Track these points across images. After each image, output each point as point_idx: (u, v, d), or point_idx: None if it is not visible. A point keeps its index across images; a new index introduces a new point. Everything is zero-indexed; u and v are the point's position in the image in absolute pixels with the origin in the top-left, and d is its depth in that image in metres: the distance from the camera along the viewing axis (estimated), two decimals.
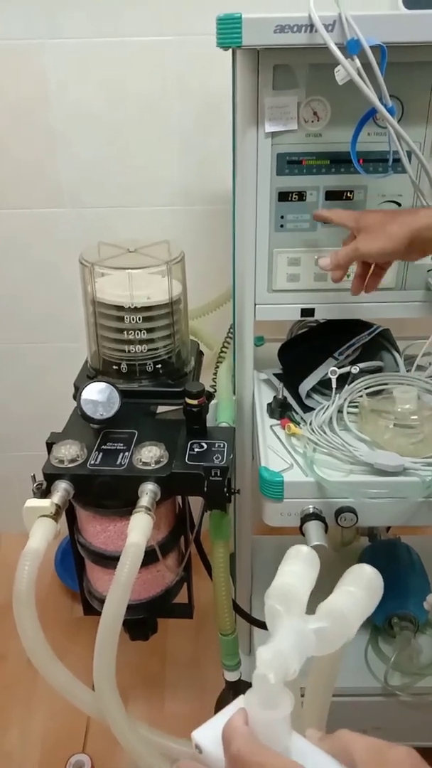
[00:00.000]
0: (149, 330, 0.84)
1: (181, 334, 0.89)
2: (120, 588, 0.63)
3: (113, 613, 0.63)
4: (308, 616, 0.42)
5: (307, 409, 0.90)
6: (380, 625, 1.04)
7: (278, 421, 0.89)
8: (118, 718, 0.66)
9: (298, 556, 0.46)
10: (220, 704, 0.62)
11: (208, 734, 0.40)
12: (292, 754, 0.39)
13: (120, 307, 0.82)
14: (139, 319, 0.83)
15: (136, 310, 0.82)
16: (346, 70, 0.66)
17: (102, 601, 0.83)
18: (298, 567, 0.45)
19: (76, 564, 0.87)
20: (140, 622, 0.86)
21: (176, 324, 0.86)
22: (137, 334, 0.83)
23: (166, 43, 1.08)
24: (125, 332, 0.84)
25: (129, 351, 0.85)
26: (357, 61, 0.67)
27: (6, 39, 1.08)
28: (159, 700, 1.21)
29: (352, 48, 0.66)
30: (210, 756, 0.40)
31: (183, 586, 0.88)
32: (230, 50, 0.75)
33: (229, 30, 0.68)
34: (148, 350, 0.85)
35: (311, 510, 0.77)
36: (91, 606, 0.86)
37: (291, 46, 0.69)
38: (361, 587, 0.45)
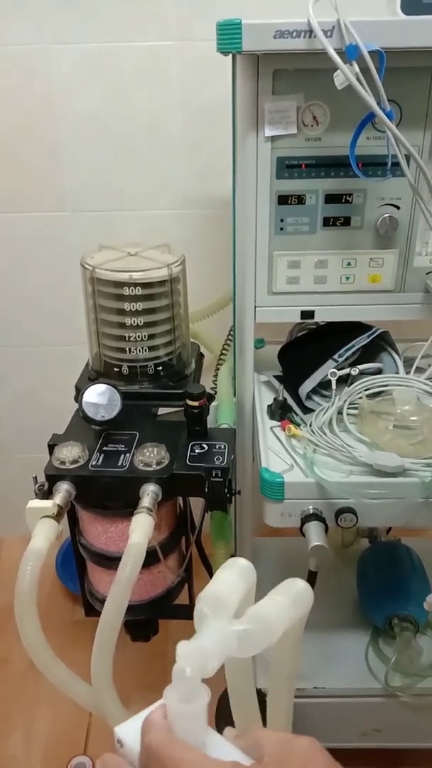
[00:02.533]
0: (148, 311, 0.83)
1: (181, 336, 0.89)
2: (121, 587, 0.64)
3: (114, 610, 0.64)
4: (234, 619, 0.44)
5: (307, 410, 0.91)
6: (381, 626, 1.05)
7: (278, 423, 0.89)
8: (115, 712, 0.66)
9: (234, 567, 0.48)
10: (221, 705, 0.63)
11: (130, 729, 0.41)
12: (206, 749, 0.40)
13: (119, 284, 0.82)
14: (139, 292, 0.82)
15: (135, 285, 0.82)
16: (345, 75, 0.67)
17: (103, 602, 0.84)
18: (231, 576, 0.47)
19: (78, 565, 0.87)
20: (141, 623, 0.86)
21: (176, 307, 0.86)
22: (137, 314, 0.83)
23: (168, 49, 1.09)
24: (125, 312, 0.83)
25: (130, 352, 0.85)
26: (356, 66, 0.67)
27: (12, 45, 1.09)
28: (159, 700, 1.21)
29: (350, 53, 0.67)
30: (131, 751, 0.41)
31: (184, 588, 0.88)
32: (230, 55, 0.76)
33: (229, 36, 0.69)
34: (149, 351, 0.86)
35: (311, 511, 0.77)
36: (93, 607, 0.87)
37: (290, 51, 0.69)
38: (288, 598, 0.47)
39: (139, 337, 0.85)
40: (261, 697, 0.59)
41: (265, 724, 0.59)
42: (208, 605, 0.43)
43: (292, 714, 0.62)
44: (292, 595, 0.47)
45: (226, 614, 0.44)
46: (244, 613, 0.45)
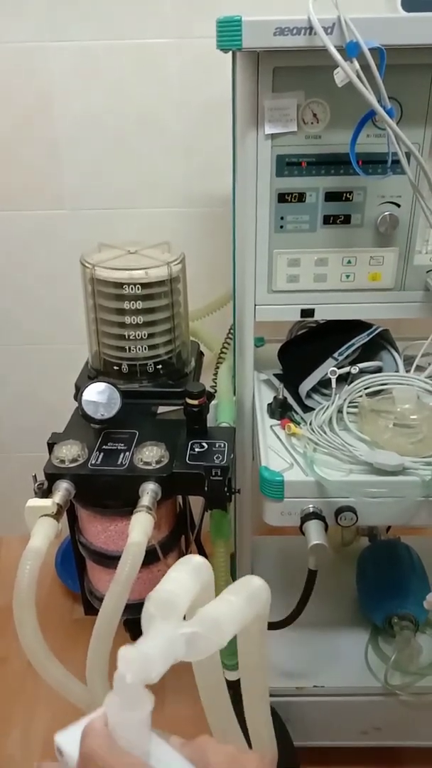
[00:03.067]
0: (148, 310, 0.83)
1: (181, 334, 0.89)
2: (120, 585, 0.63)
3: (112, 608, 0.64)
4: (182, 621, 0.42)
5: (307, 409, 0.91)
6: (380, 625, 1.04)
7: (278, 421, 0.89)
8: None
9: (188, 564, 0.46)
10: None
11: (70, 737, 0.40)
12: (150, 758, 0.39)
13: (119, 282, 0.82)
14: (139, 290, 0.82)
15: (135, 285, 0.81)
16: (345, 72, 0.67)
17: (102, 601, 0.84)
18: (183, 575, 0.45)
19: (77, 564, 0.87)
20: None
21: (176, 306, 0.86)
22: (137, 314, 0.83)
23: (167, 46, 1.09)
24: (125, 312, 0.83)
25: (129, 350, 0.85)
26: (356, 63, 0.67)
27: (10, 42, 1.09)
28: (159, 701, 1.21)
29: (351, 50, 0.67)
30: (70, 759, 0.40)
31: None
32: (230, 53, 0.76)
33: (229, 33, 0.69)
34: (149, 350, 0.85)
35: (311, 509, 0.77)
36: (92, 606, 0.87)
37: (290, 48, 0.69)
38: (242, 597, 0.45)
39: (138, 335, 0.84)
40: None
41: (243, 719, 0.58)
42: (156, 605, 0.41)
43: (269, 709, 0.60)
44: (247, 594, 0.45)
45: (174, 616, 0.41)
46: (196, 613, 0.43)
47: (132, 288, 0.82)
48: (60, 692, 0.68)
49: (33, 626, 0.63)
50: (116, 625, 0.65)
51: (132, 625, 0.87)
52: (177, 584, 0.43)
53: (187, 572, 0.45)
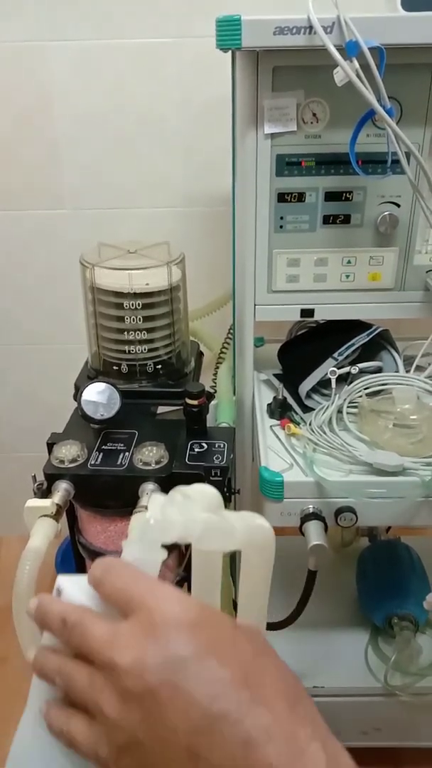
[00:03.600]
0: (148, 318, 0.83)
1: (181, 335, 0.89)
2: None
3: None
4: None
5: (307, 409, 0.91)
6: (380, 625, 1.04)
7: (278, 422, 0.89)
8: None
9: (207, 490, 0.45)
10: None
11: (73, 581, 0.40)
12: None
13: (119, 293, 0.82)
14: (139, 305, 0.82)
15: (135, 296, 0.81)
16: (345, 71, 0.67)
17: None
18: (210, 489, 0.45)
19: (77, 564, 0.87)
20: None
21: (176, 313, 0.86)
22: (137, 321, 0.83)
23: (166, 46, 1.09)
24: (125, 320, 0.83)
25: (129, 351, 0.85)
26: (356, 62, 0.67)
27: (9, 42, 1.09)
28: None
29: (350, 50, 0.67)
30: (70, 599, 0.40)
31: (183, 587, 0.88)
32: (230, 52, 0.76)
33: (228, 32, 0.69)
34: (149, 350, 0.85)
35: (311, 510, 0.77)
36: None
37: (290, 47, 0.69)
38: (244, 524, 0.44)
39: (138, 335, 0.84)
40: None
41: None
42: (182, 494, 0.43)
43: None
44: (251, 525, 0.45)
45: (193, 506, 0.43)
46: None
47: (132, 289, 0.82)
48: None
49: (30, 627, 0.63)
50: None
51: None
52: (200, 488, 0.44)
53: (213, 492, 0.45)
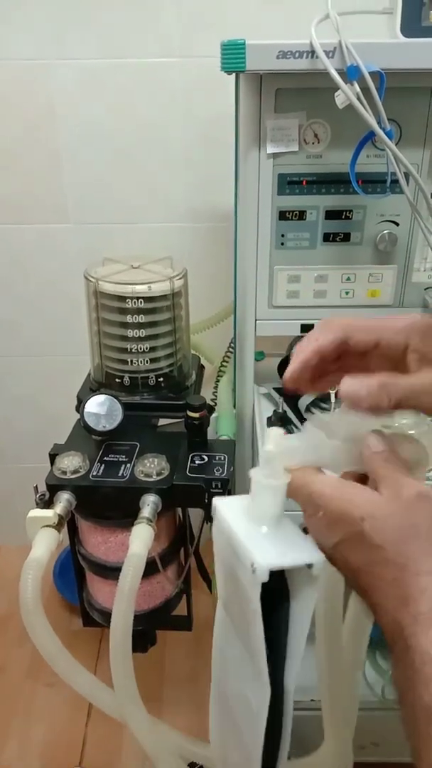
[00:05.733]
0: (150, 325, 0.85)
1: (182, 347, 0.90)
2: (125, 596, 0.64)
3: (122, 617, 0.65)
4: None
5: None
6: (377, 639, 1.04)
7: None
8: (140, 722, 0.67)
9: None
10: None
11: (227, 502, 0.45)
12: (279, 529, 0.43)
13: (122, 296, 0.83)
14: (141, 310, 0.83)
15: (137, 300, 0.83)
16: (346, 94, 0.68)
17: (102, 612, 0.84)
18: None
19: (77, 575, 0.88)
20: (140, 633, 0.86)
21: (177, 321, 0.87)
22: (139, 330, 0.84)
23: (170, 65, 1.11)
24: (127, 329, 0.84)
25: (131, 363, 0.86)
26: (356, 86, 0.69)
27: (16, 59, 1.11)
28: (156, 713, 1.21)
29: (351, 74, 0.68)
30: (221, 520, 0.44)
31: (182, 599, 0.88)
32: (233, 74, 0.78)
33: (233, 55, 0.70)
34: (150, 362, 0.86)
35: None
36: (91, 618, 0.87)
37: (293, 71, 0.71)
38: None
39: (140, 348, 0.86)
40: None
41: None
42: (315, 422, 0.45)
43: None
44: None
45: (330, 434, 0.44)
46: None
47: (135, 302, 0.83)
48: (83, 695, 0.68)
49: (48, 634, 0.64)
50: (130, 635, 0.65)
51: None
52: (337, 419, 0.45)
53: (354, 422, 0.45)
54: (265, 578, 0.39)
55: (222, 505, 0.45)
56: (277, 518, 0.43)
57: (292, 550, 0.41)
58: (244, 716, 0.49)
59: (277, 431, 0.44)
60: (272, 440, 0.44)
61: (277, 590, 0.43)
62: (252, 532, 0.42)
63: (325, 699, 0.73)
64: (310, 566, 0.41)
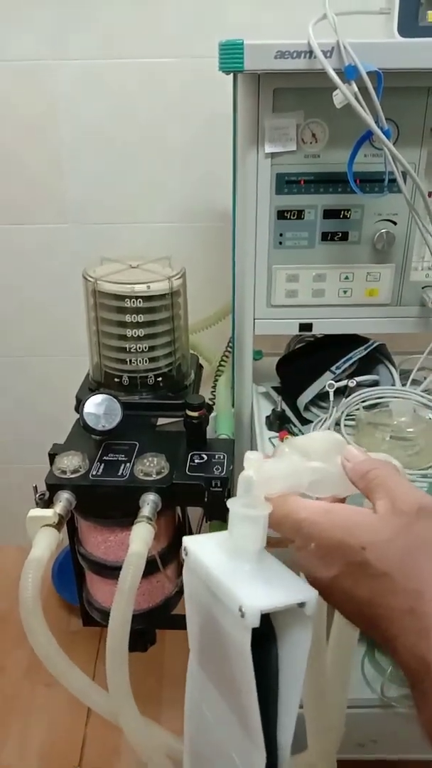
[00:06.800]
0: (149, 324, 0.85)
1: (181, 346, 0.90)
2: (124, 595, 0.64)
3: (120, 617, 0.64)
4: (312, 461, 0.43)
5: (305, 421, 0.92)
6: None
7: (277, 434, 0.90)
8: (133, 723, 0.66)
9: (330, 435, 0.45)
10: None
11: (197, 541, 0.41)
12: (262, 562, 0.40)
13: (120, 296, 0.83)
14: (140, 308, 0.83)
15: (136, 299, 0.83)
16: (344, 94, 0.69)
17: (101, 612, 0.84)
18: (325, 437, 0.45)
19: (76, 575, 0.88)
20: (139, 633, 0.86)
21: (176, 320, 0.87)
22: (137, 329, 0.84)
23: (170, 66, 1.11)
24: (126, 328, 0.84)
25: (130, 363, 0.86)
26: (354, 85, 0.69)
27: (15, 60, 1.11)
28: (155, 714, 1.21)
29: (349, 73, 0.69)
30: (194, 561, 0.41)
31: (181, 598, 0.88)
32: (232, 74, 0.78)
33: (231, 55, 0.71)
34: (149, 361, 0.87)
35: None
36: (91, 618, 0.87)
37: (291, 71, 0.71)
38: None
39: (139, 348, 0.86)
40: None
41: None
42: (290, 446, 0.42)
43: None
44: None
45: (302, 455, 0.42)
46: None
47: (133, 302, 0.83)
48: (77, 696, 0.68)
49: (45, 634, 0.63)
50: (128, 634, 0.65)
51: (129, 637, 0.87)
52: (315, 442, 0.44)
53: (328, 440, 0.45)
54: (256, 623, 0.35)
55: (194, 545, 0.41)
56: (260, 553, 0.39)
57: (281, 589, 0.37)
58: None
59: (257, 455, 0.41)
60: (252, 465, 0.40)
61: (262, 634, 0.38)
62: (234, 571, 0.38)
63: (309, 710, 0.69)
64: (301, 605, 0.37)
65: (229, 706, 0.41)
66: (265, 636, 0.39)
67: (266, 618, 0.37)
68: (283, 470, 0.41)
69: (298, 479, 0.41)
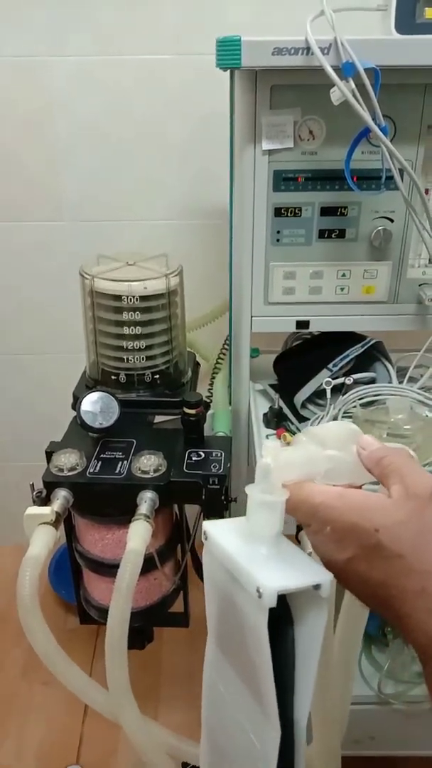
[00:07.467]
0: (146, 323, 0.85)
1: (178, 344, 0.90)
2: (122, 593, 0.64)
3: (119, 614, 0.65)
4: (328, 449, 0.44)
5: (303, 419, 0.92)
6: (373, 633, 1.05)
7: (274, 431, 0.90)
8: (133, 721, 0.66)
9: (345, 426, 0.47)
10: None
11: (217, 526, 0.43)
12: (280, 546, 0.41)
13: (117, 296, 0.83)
14: (137, 308, 0.83)
15: (133, 298, 0.83)
16: (342, 91, 0.69)
17: (99, 609, 0.84)
18: (340, 429, 0.46)
19: (73, 572, 0.88)
20: (136, 630, 0.86)
21: (173, 319, 0.87)
22: (135, 328, 0.84)
23: (166, 62, 1.11)
24: (123, 326, 0.84)
25: (127, 360, 0.86)
26: (352, 82, 0.69)
27: (11, 56, 1.11)
28: (152, 710, 1.21)
29: (347, 70, 0.69)
30: (214, 544, 0.42)
31: (179, 595, 0.89)
32: (229, 70, 0.78)
33: (228, 52, 0.70)
34: (147, 359, 0.86)
35: None
36: (88, 616, 0.87)
37: (288, 67, 0.71)
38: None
39: (136, 346, 0.86)
40: None
41: None
42: (307, 435, 0.44)
43: None
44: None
45: (321, 445, 0.43)
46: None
47: (130, 299, 0.83)
48: (76, 694, 0.68)
49: (44, 632, 0.63)
50: (126, 631, 0.65)
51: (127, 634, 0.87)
52: (331, 432, 0.45)
53: (345, 430, 0.46)
54: (273, 603, 0.36)
55: (213, 528, 0.43)
56: (276, 538, 0.41)
57: (297, 571, 0.39)
58: (248, 763, 0.45)
59: (274, 443, 0.43)
60: (270, 453, 0.42)
61: (279, 616, 0.40)
62: (251, 554, 0.40)
63: (314, 703, 0.70)
64: (317, 587, 0.38)
65: (246, 685, 0.43)
66: (282, 619, 0.41)
67: (283, 600, 0.39)
68: (300, 458, 0.42)
69: (314, 467, 0.42)
